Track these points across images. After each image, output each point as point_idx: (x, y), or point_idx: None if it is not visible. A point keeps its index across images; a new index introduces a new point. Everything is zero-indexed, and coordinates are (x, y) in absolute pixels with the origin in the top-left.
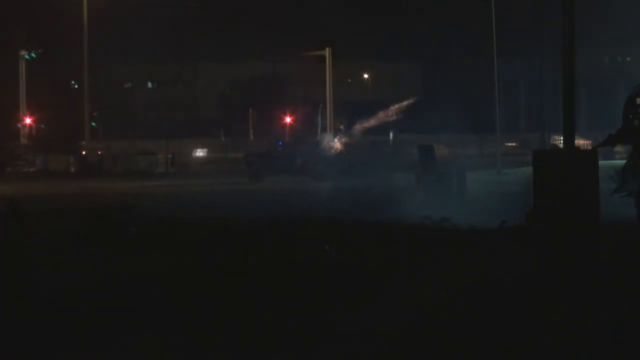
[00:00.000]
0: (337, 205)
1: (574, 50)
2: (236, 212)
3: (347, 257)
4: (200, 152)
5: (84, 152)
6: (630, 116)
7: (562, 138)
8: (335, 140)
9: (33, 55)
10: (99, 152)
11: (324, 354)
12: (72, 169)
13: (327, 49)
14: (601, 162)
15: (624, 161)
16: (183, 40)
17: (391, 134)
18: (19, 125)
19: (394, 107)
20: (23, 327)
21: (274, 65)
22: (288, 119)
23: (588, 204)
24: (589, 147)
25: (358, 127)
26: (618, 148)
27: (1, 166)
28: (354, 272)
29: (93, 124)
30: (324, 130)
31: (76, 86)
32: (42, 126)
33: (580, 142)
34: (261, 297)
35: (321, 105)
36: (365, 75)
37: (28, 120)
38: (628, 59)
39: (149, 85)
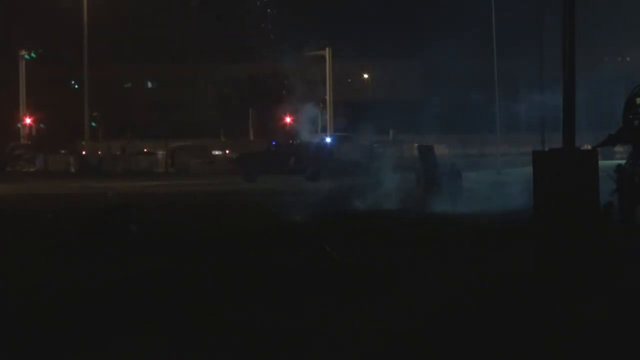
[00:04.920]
0: (331, 205)
1: (574, 50)
2: (234, 212)
3: (345, 257)
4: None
5: (84, 152)
6: (630, 116)
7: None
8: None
9: (33, 55)
10: (99, 152)
11: (323, 354)
12: (72, 169)
13: (327, 49)
14: (601, 162)
15: (624, 161)
16: (183, 40)
17: (391, 134)
18: (19, 125)
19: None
20: (25, 327)
21: (274, 65)
22: (288, 119)
23: (588, 204)
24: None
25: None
26: (618, 148)
27: (1, 166)
28: (353, 272)
29: (93, 124)
30: (324, 130)
31: (76, 86)
32: (42, 126)
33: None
34: (260, 297)
35: (321, 105)
36: (365, 75)
37: (28, 120)
38: (628, 59)
39: (149, 85)
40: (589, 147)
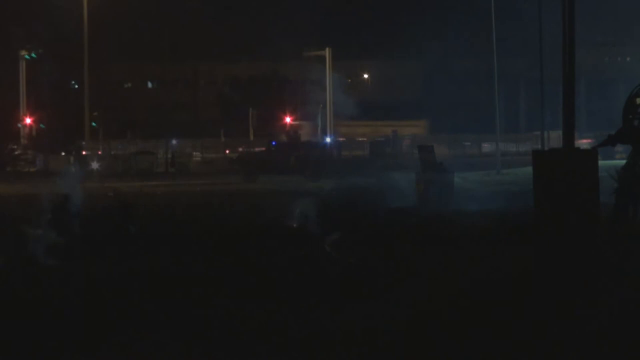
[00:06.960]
0: (331, 205)
1: (574, 50)
2: (234, 212)
3: (346, 257)
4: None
5: (83, 152)
6: (630, 116)
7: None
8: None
9: (33, 55)
10: (99, 152)
11: (323, 354)
12: (72, 169)
13: (327, 49)
14: (601, 162)
15: (624, 161)
16: (183, 40)
17: (391, 134)
18: (19, 125)
19: None
20: (25, 327)
21: (274, 65)
22: (288, 119)
23: (588, 204)
24: (589, 147)
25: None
26: (618, 148)
27: (1, 166)
28: (353, 272)
29: (93, 124)
30: (324, 130)
31: (76, 86)
32: (42, 126)
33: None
34: (260, 297)
35: (321, 105)
36: (365, 75)
37: (28, 120)
38: (628, 59)
39: (149, 85)
40: (588, 141)
